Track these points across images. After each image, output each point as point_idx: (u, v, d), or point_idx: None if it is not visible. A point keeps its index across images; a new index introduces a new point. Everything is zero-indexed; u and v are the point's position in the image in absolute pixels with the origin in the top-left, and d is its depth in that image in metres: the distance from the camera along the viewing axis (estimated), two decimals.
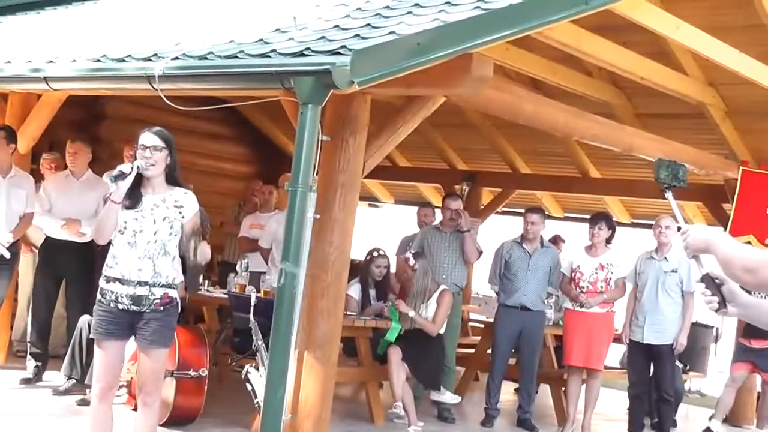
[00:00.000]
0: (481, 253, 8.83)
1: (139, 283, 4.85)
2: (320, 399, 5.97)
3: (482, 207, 12.60)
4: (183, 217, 4.97)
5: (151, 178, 4.93)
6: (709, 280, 3.05)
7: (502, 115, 7.14)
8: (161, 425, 6.40)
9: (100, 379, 4.96)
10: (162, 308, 4.91)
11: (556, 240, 10.54)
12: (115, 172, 4.84)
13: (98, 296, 4.94)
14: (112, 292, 4.86)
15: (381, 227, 15.24)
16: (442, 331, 7.82)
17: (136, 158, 4.92)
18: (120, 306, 4.86)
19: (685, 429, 9.53)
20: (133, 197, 4.89)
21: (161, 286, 4.90)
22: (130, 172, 4.82)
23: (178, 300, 5.05)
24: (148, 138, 4.92)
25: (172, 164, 4.98)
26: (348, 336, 7.89)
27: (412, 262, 7.83)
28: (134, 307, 4.86)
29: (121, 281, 4.85)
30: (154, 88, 5.28)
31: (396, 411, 7.42)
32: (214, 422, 6.89)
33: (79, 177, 7.86)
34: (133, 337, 5.02)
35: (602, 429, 8.88)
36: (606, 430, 8.90)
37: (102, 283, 4.93)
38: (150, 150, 4.89)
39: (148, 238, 4.88)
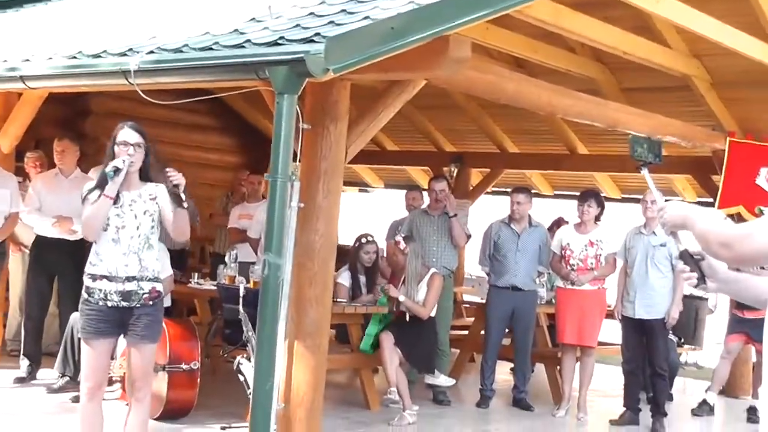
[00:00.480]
0: (469, 237, 8.83)
1: (128, 279, 4.84)
2: (312, 387, 5.96)
3: (471, 188, 12.59)
4: (160, 208, 4.97)
5: (130, 175, 4.91)
6: (687, 256, 3.03)
7: (484, 96, 7.12)
8: (156, 419, 6.42)
9: (89, 378, 4.95)
10: (151, 302, 4.92)
11: (559, 222, 10.32)
12: (110, 168, 4.82)
13: (84, 295, 4.92)
14: (101, 290, 4.84)
15: (371, 212, 15.21)
16: (433, 314, 7.82)
17: (114, 154, 4.90)
18: (109, 303, 4.84)
19: (681, 402, 9.55)
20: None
21: (149, 280, 4.91)
22: (123, 167, 4.82)
23: (163, 294, 5.05)
24: (130, 135, 4.91)
25: (147, 161, 4.98)
26: (340, 323, 7.91)
27: (402, 245, 7.82)
28: (124, 303, 4.85)
29: (109, 278, 4.84)
30: (130, 83, 5.26)
31: (391, 396, 7.42)
32: (208, 414, 6.89)
33: (67, 175, 7.82)
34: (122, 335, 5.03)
35: (598, 405, 8.89)
36: (602, 406, 8.91)
37: (88, 281, 4.91)
38: (134, 147, 4.89)
39: (132, 233, 4.88)
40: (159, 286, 4.98)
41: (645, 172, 3.48)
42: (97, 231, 4.89)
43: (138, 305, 4.87)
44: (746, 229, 2.80)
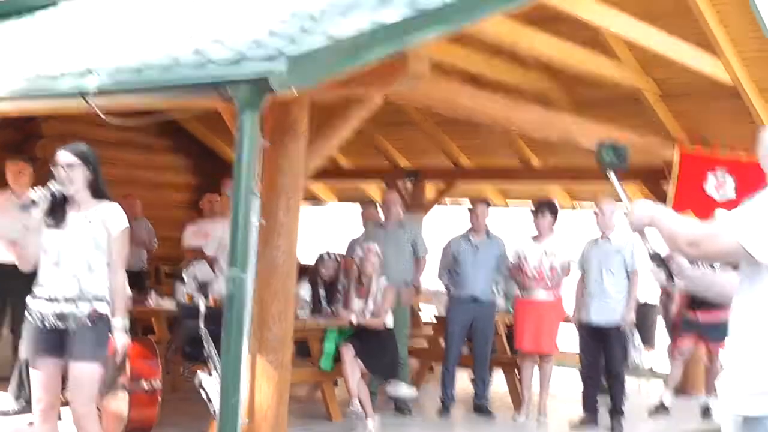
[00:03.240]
0: (426, 253, 8.87)
1: (66, 300, 4.77)
2: (276, 402, 5.98)
3: (427, 202, 12.69)
4: (110, 234, 4.89)
5: (74, 195, 4.86)
6: (656, 256, 3.17)
7: (441, 110, 7.22)
8: None
9: (40, 399, 4.87)
10: (90, 324, 4.79)
11: None
12: (26, 201, 4.78)
13: (27, 316, 4.86)
14: (39, 312, 4.80)
15: (325, 226, 15.21)
16: (390, 325, 7.87)
17: (54, 177, 4.85)
18: (47, 324, 4.78)
19: (637, 403, 9.66)
20: (57, 216, 4.82)
21: (87, 301, 4.79)
22: (43, 198, 4.76)
23: (108, 315, 4.88)
24: (62, 156, 4.86)
25: (94, 178, 4.90)
26: (299, 338, 7.91)
27: (375, 248, 7.90)
28: (60, 325, 4.77)
29: (48, 299, 4.78)
30: (89, 104, 5.23)
31: (353, 409, 7.46)
32: None
33: (21, 197, 7.73)
34: None
35: (557, 410, 8.99)
36: (561, 410, 9.01)
37: (29, 302, 4.86)
38: (64, 168, 4.83)
39: (72, 257, 4.80)
40: (101, 307, 4.82)
41: (612, 176, 3.57)
42: (28, 260, 4.88)
43: (75, 327, 4.76)
44: (712, 228, 2.95)
